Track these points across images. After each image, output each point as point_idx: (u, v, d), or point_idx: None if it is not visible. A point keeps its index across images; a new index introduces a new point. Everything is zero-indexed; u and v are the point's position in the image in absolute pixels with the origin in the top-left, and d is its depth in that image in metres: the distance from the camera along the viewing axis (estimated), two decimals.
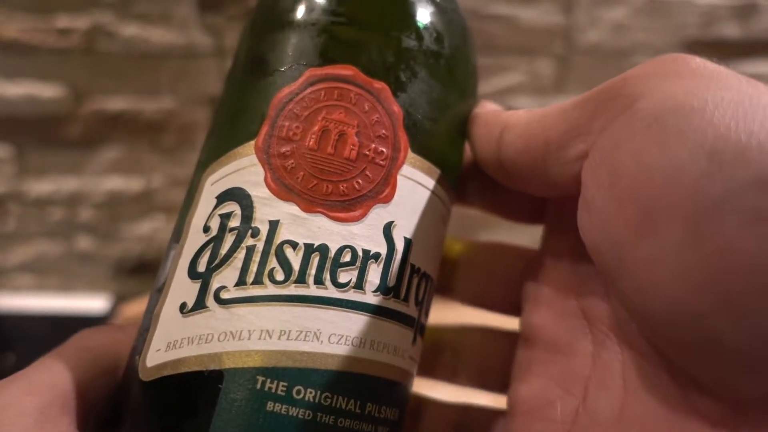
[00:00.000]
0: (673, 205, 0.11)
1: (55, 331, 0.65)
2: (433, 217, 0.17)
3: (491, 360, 0.20)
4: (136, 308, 0.59)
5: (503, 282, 0.20)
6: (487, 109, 0.18)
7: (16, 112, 0.62)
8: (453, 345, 0.21)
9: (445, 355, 0.21)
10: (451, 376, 0.21)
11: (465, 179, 0.20)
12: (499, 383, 0.19)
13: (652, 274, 0.12)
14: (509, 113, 0.17)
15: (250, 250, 0.14)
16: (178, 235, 0.16)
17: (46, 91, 0.61)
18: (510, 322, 0.20)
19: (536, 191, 0.17)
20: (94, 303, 0.70)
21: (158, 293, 0.16)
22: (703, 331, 0.11)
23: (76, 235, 0.70)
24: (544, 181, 0.16)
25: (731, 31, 0.59)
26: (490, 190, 0.20)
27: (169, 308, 0.15)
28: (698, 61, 0.13)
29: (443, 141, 0.18)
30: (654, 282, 0.12)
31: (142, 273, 0.73)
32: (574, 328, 0.16)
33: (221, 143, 0.16)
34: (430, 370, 0.21)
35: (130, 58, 0.60)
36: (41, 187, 0.67)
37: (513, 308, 0.19)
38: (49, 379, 0.14)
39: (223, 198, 0.15)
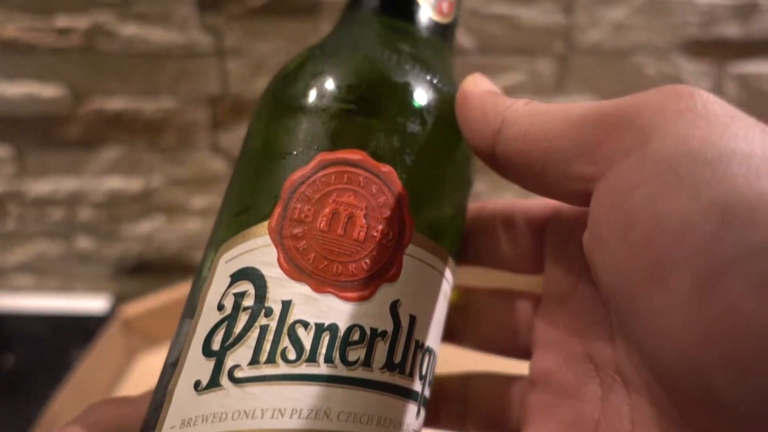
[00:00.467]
0: (683, 260, 0.11)
1: (54, 331, 0.64)
2: (436, 292, 0.17)
3: (499, 406, 0.20)
4: (135, 308, 0.59)
5: (512, 327, 0.20)
6: (481, 87, 0.18)
7: (16, 112, 0.62)
8: (459, 395, 0.21)
9: (452, 405, 0.21)
10: (459, 425, 0.21)
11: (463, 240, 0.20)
12: (508, 430, 0.19)
13: (662, 322, 0.12)
14: (508, 105, 0.16)
15: (264, 329, 0.15)
16: (192, 311, 0.17)
17: (46, 90, 0.61)
18: (516, 366, 0.20)
19: (527, 188, 0.17)
20: (93, 303, 0.70)
21: (172, 368, 0.16)
22: (705, 384, 0.11)
23: (75, 235, 0.70)
24: (540, 185, 0.16)
25: (731, 31, 0.59)
26: (487, 247, 0.21)
27: (184, 385, 0.15)
28: (712, 102, 0.13)
29: (446, 219, 0.18)
30: (663, 330, 0.12)
31: (142, 273, 0.72)
32: (583, 372, 0.17)
33: (235, 222, 0.17)
34: (438, 420, 0.21)
35: (129, 58, 0.60)
36: (41, 187, 0.67)
37: (524, 353, 0.20)
38: None
39: (237, 277, 0.16)
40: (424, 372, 0.17)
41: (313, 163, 0.16)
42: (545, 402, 0.17)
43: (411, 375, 0.16)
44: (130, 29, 0.59)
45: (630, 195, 0.13)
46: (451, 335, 0.20)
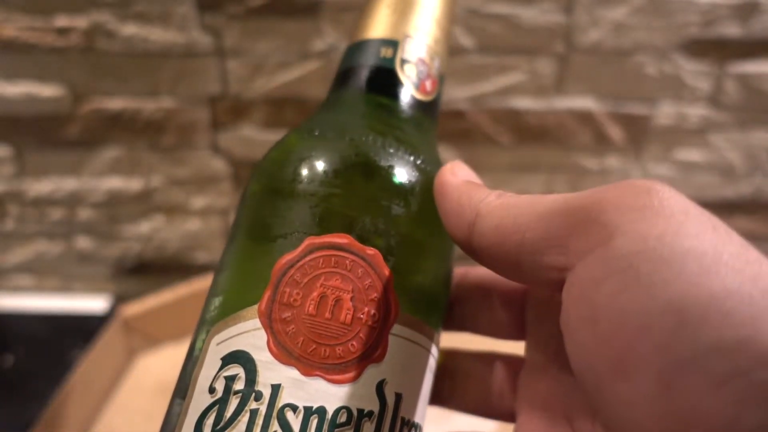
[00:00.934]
0: (644, 356, 0.12)
1: (54, 331, 0.64)
2: (422, 368, 0.18)
3: None
4: (135, 308, 0.59)
5: (497, 391, 0.21)
6: (458, 177, 0.19)
7: (15, 112, 0.62)
8: None
9: None
10: None
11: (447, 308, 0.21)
12: None
13: (626, 412, 0.13)
14: (481, 198, 0.17)
15: (254, 413, 0.15)
16: (183, 392, 0.17)
17: (45, 90, 0.61)
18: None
19: (505, 276, 0.18)
20: (93, 303, 0.70)
21: None
22: None
23: (75, 235, 0.70)
24: (517, 274, 0.17)
25: (732, 31, 0.59)
26: (471, 315, 0.22)
27: None
28: (669, 196, 0.14)
29: (430, 295, 0.19)
30: (628, 419, 0.12)
31: (142, 273, 0.72)
32: None
33: (225, 305, 0.17)
34: None
35: (129, 58, 0.60)
36: (40, 187, 0.67)
37: (508, 416, 0.21)
38: None
39: (227, 360, 0.16)
40: None
41: (301, 248, 0.17)
42: None
43: None
44: (129, 29, 0.59)
45: (595, 289, 0.13)
46: (435, 398, 0.21)
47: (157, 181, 0.67)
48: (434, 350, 0.19)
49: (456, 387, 0.22)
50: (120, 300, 0.69)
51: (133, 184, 0.67)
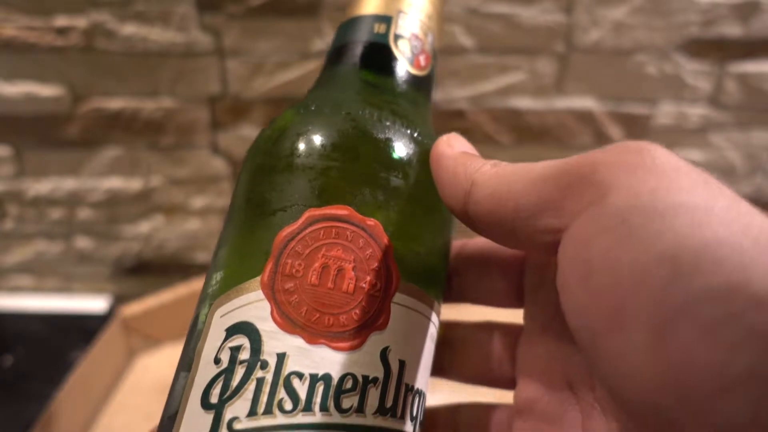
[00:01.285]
0: (638, 308, 0.12)
1: (53, 331, 0.64)
2: (424, 336, 0.18)
3: None
4: (135, 308, 0.59)
5: (496, 359, 0.21)
6: (454, 148, 0.19)
7: (15, 112, 0.62)
8: (449, 424, 0.22)
9: None
10: None
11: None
12: None
13: (622, 366, 0.13)
14: (476, 168, 0.18)
15: (260, 381, 0.16)
16: (188, 365, 0.17)
17: (45, 90, 0.61)
18: (503, 396, 0.21)
19: (501, 243, 0.18)
20: (92, 303, 0.70)
21: (171, 421, 0.17)
22: (667, 420, 0.12)
23: (74, 235, 0.70)
24: (513, 241, 0.17)
25: (732, 31, 0.59)
26: (470, 284, 0.22)
27: None
28: (661, 155, 0.14)
29: (430, 265, 0.19)
30: (624, 372, 0.13)
31: (141, 273, 0.72)
32: (564, 399, 0.18)
33: (228, 278, 0.18)
34: None
35: (129, 58, 0.60)
36: (40, 186, 0.67)
37: (508, 383, 0.21)
38: None
39: (232, 331, 0.16)
40: (414, 413, 0.18)
41: (301, 220, 0.17)
42: (529, 429, 0.19)
43: (402, 417, 0.17)
44: (129, 29, 0.59)
45: (589, 245, 0.14)
46: (436, 370, 0.21)
47: (156, 181, 0.66)
48: (435, 319, 0.19)
49: (455, 356, 0.22)
50: (120, 300, 0.69)
51: (133, 184, 0.67)
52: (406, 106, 0.20)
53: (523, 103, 0.63)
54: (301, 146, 0.18)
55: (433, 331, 0.19)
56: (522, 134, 0.64)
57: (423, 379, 0.18)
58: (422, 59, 0.21)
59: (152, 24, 0.58)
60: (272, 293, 0.16)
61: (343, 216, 0.17)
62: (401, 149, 0.19)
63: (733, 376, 0.11)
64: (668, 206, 0.13)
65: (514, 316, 0.22)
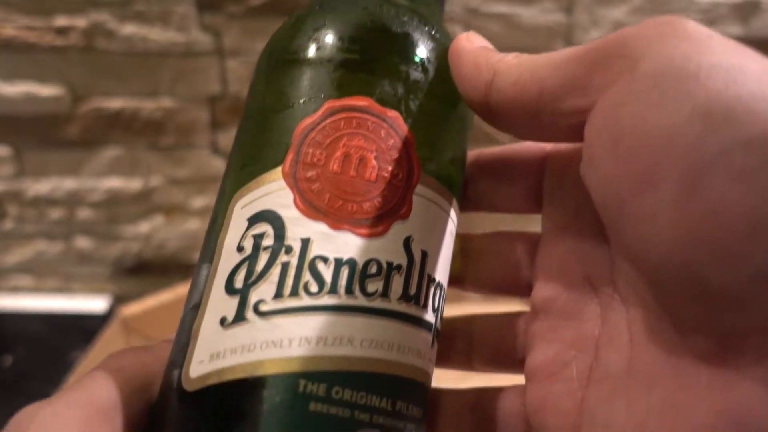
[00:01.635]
0: (670, 164, 0.12)
1: (53, 331, 0.64)
2: (444, 230, 0.18)
3: (504, 339, 0.21)
4: (134, 308, 0.59)
5: (514, 266, 0.21)
6: (474, 44, 0.19)
7: (15, 112, 0.62)
8: (465, 333, 0.22)
9: (458, 342, 0.22)
10: (465, 363, 0.22)
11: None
12: (513, 362, 0.20)
13: (650, 227, 0.13)
14: (499, 58, 0.17)
15: (285, 266, 0.16)
16: (210, 256, 0.17)
17: (45, 90, 0.61)
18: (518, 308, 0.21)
19: (524, 136, 0.18)
20: (92, 303, 0.70)
21: (194, 310, 0.17)
22: (695, 277, 0.12)
23: (74, 235, 0.70)
24: (535, 129, 0.17)
25: (732, 30, 0.59)
26: (487, 190, 0.21)
27: (209, 322, 0.16)
28: (693, 25, 0.14)
29: (449, 161, 0.19)
30: (652, 233, 0.13)
31: (141, 273, 0.72)
32: (582, 294, 0.18)
33: (247, 171, 0.18)
34: (444, 359, 0.21)
35: (128, 58, 0.60)
36: (39, 187, 0.67)
37: (526, 290, 0.20)
38: (88, 396, 0.15)
39: (254, 220, 0.16)
40: (436, 305, 0.18)
41: (321, 111, 0.17)
42: (547, 327, 0.18)
43: (425, 306, 0.17)
44: (129, 28, 0.59)
45: (619, 113, 0.14)
46: (453, 280, 0.21)
47: (156, 181, 0.66)
48: (454, 217, 0.19)
49: (471, 266, 0.22)
50: (119, 300, 0.69)
51: (133, 184, 0.67)
52: (422, 7, 0.20)
53: None
54: (319, 39, 0.18)
55: (452, 227, 0.19)
56: None
57: (444, 273, 0.18)
58: None
59: (152, 24, 0.58)
60: (294, 181, 0.16)
61: (363, 107, 0.17)
62: (420, 43, 0.19)
63: (766, 220, 0.11)
64: (702, 67, 0.12)
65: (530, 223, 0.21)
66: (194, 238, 0.69)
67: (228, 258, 0.16)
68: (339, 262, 0.16)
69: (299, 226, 0.16)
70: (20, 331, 0.64)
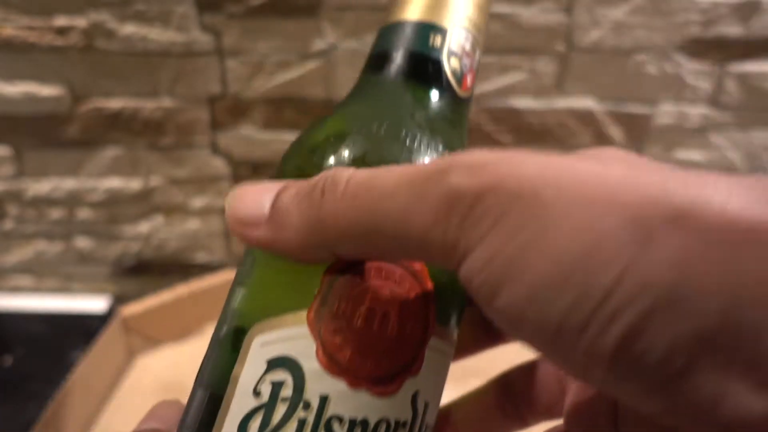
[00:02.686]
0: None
1: (53, 331, 0.64)
2: (445, 376, 0.19)
3: None
4: (134, 308, 0.59)
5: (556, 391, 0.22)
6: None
7: (15, 112, 0.62)
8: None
9: None
10: None
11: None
12: None
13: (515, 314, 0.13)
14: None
15: (302, 422, 0.16)
16: (216, 386, 0.17)
17: (45, 90, 0.61)
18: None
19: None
20: (92, 303, 0.70)
21: None
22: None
23: (74, 235, 0.70)
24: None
25: (732, 31, 0.59)
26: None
27: None
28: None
29: (458, 303, 0.19)
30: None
31: (141, 273, 0.72)
32: None
33: (270, 301, 0.17)
34: None
35: (128, 58, 0.60)
36: (39, 187, 0.67)
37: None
38: None
39: (274, 364, 0.16)
40: None
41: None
42: None
43: None
44: (129, 28, 0.59)
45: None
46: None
47: (156, 181, 0.66)
48: (452, 351, 0.19)
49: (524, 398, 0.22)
50: (119, 300, 0.69)
51: (133, 184, 0.67)
52: (451, 131, 0.20)
53: (523, 103, 0.63)
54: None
55: (449, 364, 0.19)
56: (522, 134, 0.64)
57: (435, 414, 0.19)
58: (469, 78, 0.20)
59: (152, 24, 0.58)
60: (318, 332, 0.16)
61: None
62: None
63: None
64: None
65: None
66: (194, 239, 0.69)
67: (243, 397, 0.16)
68: (353, 423, 0.16)
69: (319, 382, 0.16)
70: (20, 331, 0.64)
